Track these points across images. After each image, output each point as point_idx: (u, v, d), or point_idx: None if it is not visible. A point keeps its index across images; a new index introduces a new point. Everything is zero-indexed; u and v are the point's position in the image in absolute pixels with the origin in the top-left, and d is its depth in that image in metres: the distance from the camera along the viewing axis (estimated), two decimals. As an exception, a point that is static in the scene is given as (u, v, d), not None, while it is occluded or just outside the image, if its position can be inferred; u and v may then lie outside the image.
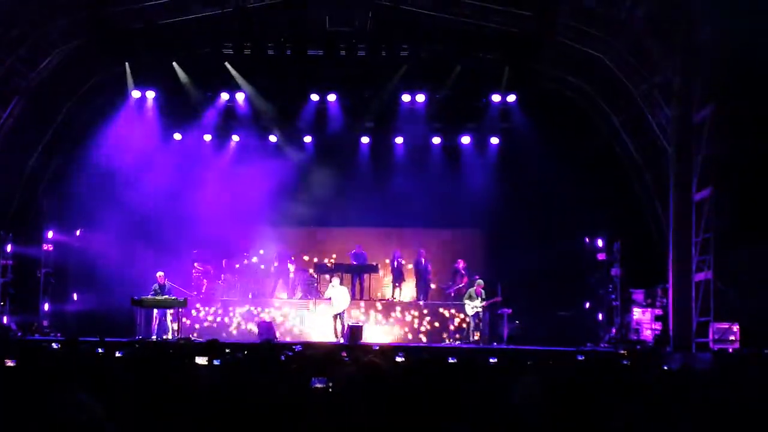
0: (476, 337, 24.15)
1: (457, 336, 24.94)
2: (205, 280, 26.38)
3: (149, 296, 23.16)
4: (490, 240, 26.28)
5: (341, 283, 24.63)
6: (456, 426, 4.32)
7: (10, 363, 8.58)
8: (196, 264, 26.50)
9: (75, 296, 26.06)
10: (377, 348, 17.49)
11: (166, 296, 23.24)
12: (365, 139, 27.58)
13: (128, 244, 24.97)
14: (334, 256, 27.49)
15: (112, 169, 25.09)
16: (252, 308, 25.40)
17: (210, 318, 25.18)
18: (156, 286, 23.58)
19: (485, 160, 27.19)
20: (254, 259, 27.10)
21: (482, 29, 24.27)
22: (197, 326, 24.94)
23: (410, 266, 26.97)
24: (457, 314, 25.16)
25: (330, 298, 24.28)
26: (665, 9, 20.74)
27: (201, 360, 9.27)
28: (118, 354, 11.36)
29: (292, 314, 25.38)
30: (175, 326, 23.25)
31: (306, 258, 27.68)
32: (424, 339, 25.01)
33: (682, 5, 20.20)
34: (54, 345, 15.88)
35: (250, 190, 25.80)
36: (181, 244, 25.70)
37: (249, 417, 4.62)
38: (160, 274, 23.77)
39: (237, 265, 26.90)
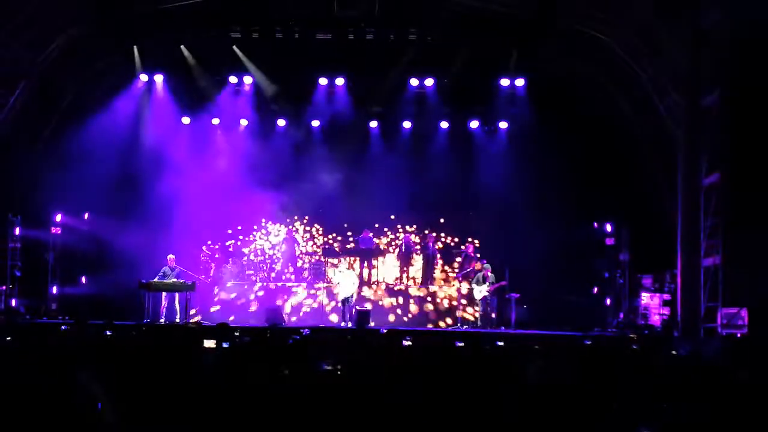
0: (480, 322, 24.18)
1: (468, 318, 24.95)
2: (213, 264, 26.43)
3: (157, 279, 23.24)
4: (498, 224, 26.21)
5: (349, 268, 24.73)
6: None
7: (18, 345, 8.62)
8: (204, 248, 26.53)
9: (83, 279, 26.13)
10: (385, 332, 17.51)
11: (174, 280, 23.30)
12: (374, 124, 27.55)
13: (136, 227, 24.99)
14: (336, 240, 27.47)
15: (120, 152, 25.12)
16: (260, 292, 25.42)
17: (218, 301, 25.20)
18: (166, 268, 23.63)
19: (493, 144, 27.17)
20: (262, 243, 27.15)
21: (489, 12, 24.21)
22: (203, 308, 24.98)
23: (418, 250, 26.94)
24: (464, 298, 25.15)
25: (338, 283, 24.35)
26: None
27: (209, 343, 9.29)
28: (126, 337, 11.39)
29: (300, 298, 25.42)
30: (184, 310, 23.29)
31: (314, 242, 27.69)
32: (431, 323, 25.02)
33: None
34: (63, 327, 15.96)
35: (258, 174, 25.86)
36: (190, 227, 25.72)
37: (257, 400, 4.61)
38: (171, 257, 23.84)
39: (245, 249, 26.94)
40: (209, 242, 26.86)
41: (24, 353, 7.41)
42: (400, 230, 27.28)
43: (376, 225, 27.19)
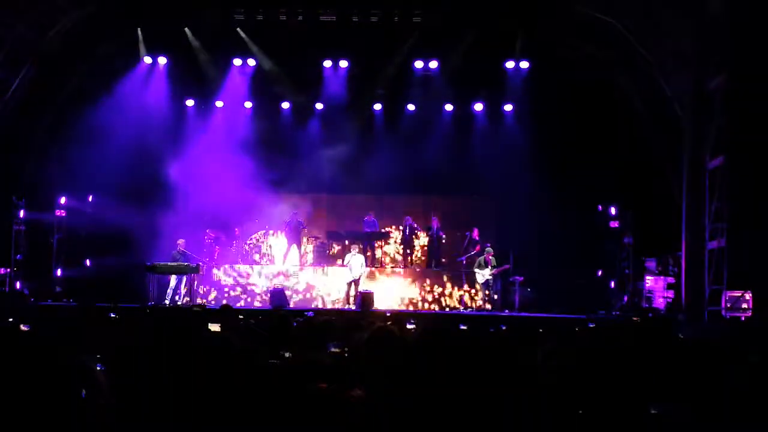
0: (487, 306, 24.24)
1: (469, 303, 25.00)
2: (217, 247, 26.44)
3: (163, 262, 23.30)
4: (503, 207, 26.20)
5: (359, 252, 24.80)
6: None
7: (24, 328, 8.61)
8: (208, 230, 26.54)
9: (88, 262, 26.15)
10: (389, 314, 17.53)
11: (179, 262, 23.36)
12: (378, 106, 27.51)
13: (141, 209, 25.00)
14: (340, 223, 27.43)
15: (125, 135, 25.07)
16: (264, 275, 25.46)
17: (222, 284, 25.27)
18: (176, 253, 23.73)
19: (498, 127, 27.10)
20: (266, 226, 27.16)
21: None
22: (207, 292, 25.05)
23: (422, 233, 26.92)
24: (468, 282, 25.19)
25: (348, 263, 24.38)
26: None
27: (214, 327, 9.28)
28: (130, 319, 11.39)
29: (304, 281, 25.44)
30: (188, 292, 23.37)
31: (318, 225, 27.64)
32: (435, 306, 25.06)
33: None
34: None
35: (262, 157, 25.84)
36: (194, 210, 25.72)
37: (262, 382, 4.61)
38: (180, 241, 23.95)
39: (249, 233, 26.95)
40: (213, 226, 26.82)
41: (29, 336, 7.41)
42: (404, 213, 27.18)
43: (379, 208, 27.17)
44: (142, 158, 25.31)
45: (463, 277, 25.41)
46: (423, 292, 25.35)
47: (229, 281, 25.38)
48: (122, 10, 24.23)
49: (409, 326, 11.13)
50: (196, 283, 24.17)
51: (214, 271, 25.43)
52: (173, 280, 23.59)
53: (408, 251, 26.64)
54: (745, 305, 19.03)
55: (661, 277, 23.15)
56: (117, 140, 24.73)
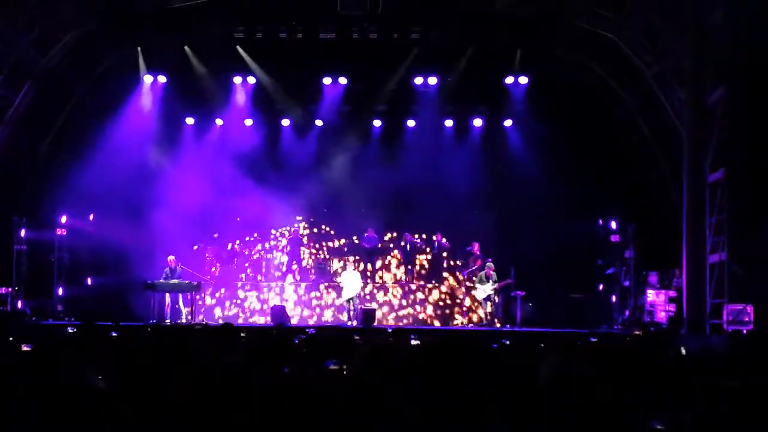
0: (486, 320, 24.19)
1: (473, 317, 24.97)
2: (217, 264, 26.44)
3: (161, 280, 23.28)
4: (504, 222, 26.20)
5: (355, 268, 24.77)
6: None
7: (25, 348, 8.60)
8: (209, 247, 26.54)
9: (89, 280, 26.12)
10: (391, 330, 17.52)
11: (178, 280, 23.34)
12: (377, 123, 27.55)
13: (141, 227, 25.01)
14: (340, 239, 27.40)
15: (125, 153, 25.12)
16: (264, 292, 25.46)
17: (224, 302, 25.26)
18: (167, 270, 23.69)
19: (498, 142, 27.12)
20: (267, 243, 27.16)
21: (493, 11, 24.17)
22: (209, 309, 25.04)
23: (424, 249, 26.90)
24: (470, 297, 25.17)
25: (342, 281, 24.39)
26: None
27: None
28: (132, 338, 11.38)
29: (305, 297, 25.43)
30: (188, 310, 23.35)
31: (318, 241, 27.60)
32: (436, 322, 25.03)
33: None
34: (69, 329, 15.99)
35: (262, 174, 25.92)
36: (194, 227, 25.75)
37: (262, 400, 4.62)
38: (171, 258, 23.90)
39: (249, 249, 26.94)
40: (215, 235, 26.78)
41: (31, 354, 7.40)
42: (404, 228, 27.11)
43: (379, 223, 27.14)
44: (143, 176, 25.39)
45: (464, 292, 25.38)
46: (424, 308, 25.32)
47: (230, 298, 25.36)
48: (122, 29, 24.30)
49: (413, 342, 11.15)
50: (196, 300, 24.16)
51: (215, 288, 25.41)
52: (167, 297, 23.55)
53: (409, 267, 26.59)
54: (746, 318, 19.02)
55: (663, 291, 23.12)
56: (118, 158, 24.80)
